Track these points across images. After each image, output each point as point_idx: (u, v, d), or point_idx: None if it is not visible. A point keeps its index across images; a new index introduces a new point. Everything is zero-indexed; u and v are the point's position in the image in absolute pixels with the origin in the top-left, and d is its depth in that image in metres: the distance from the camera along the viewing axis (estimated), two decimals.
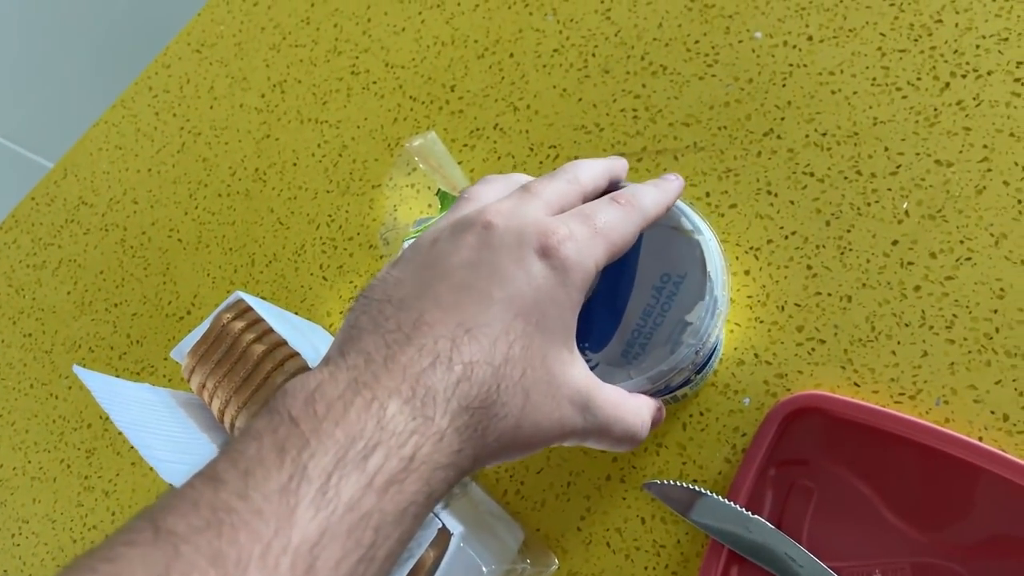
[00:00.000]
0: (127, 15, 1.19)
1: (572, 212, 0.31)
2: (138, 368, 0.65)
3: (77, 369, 0.47)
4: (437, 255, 0.30)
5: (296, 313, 0.61)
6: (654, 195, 0.34)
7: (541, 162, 0.57)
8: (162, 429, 0.49)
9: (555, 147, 0.57)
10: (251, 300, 0.52)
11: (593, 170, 0.35)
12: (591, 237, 0.30)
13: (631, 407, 0.34)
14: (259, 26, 0.72)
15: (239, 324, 0.51)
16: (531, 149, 0.58)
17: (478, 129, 0.60)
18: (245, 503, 0.21)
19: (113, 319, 0.68)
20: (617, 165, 0.37)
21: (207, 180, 0.69)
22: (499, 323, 0.27)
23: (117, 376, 0.64)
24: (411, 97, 0.63)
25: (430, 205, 0.59)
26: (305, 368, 0.49)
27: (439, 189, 0.52)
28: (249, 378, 0.50)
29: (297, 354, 0.50)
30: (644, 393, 0.37)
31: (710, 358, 0.44)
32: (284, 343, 0.50)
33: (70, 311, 0.70)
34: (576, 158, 0.55)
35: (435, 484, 0.25)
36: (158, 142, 0.73)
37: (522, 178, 0.35)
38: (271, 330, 0.51)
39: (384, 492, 0.23)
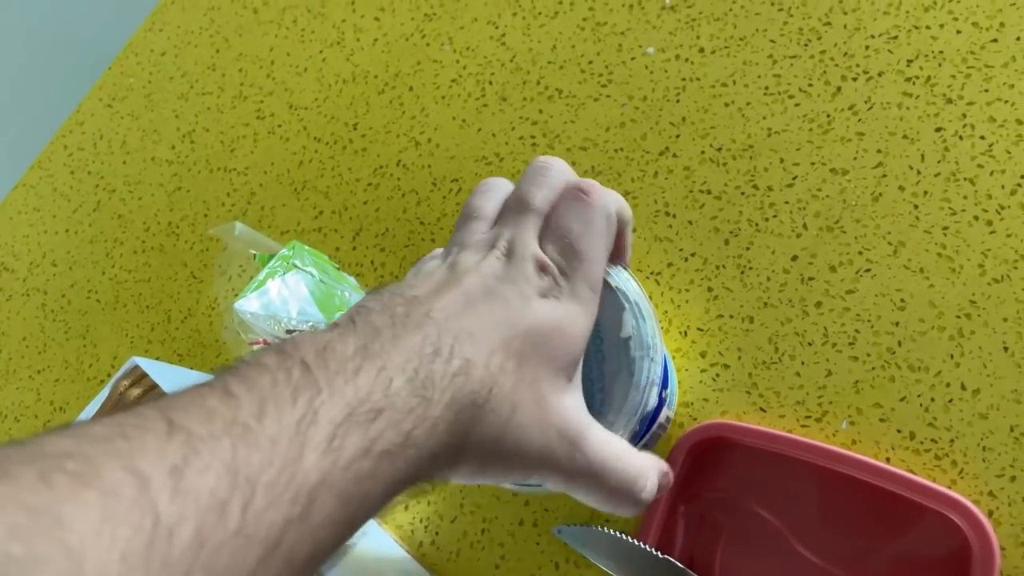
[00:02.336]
0: (41, 72, 1.19)
1: (555, 238, 0.32)
2: None
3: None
4: (452, 270, 0.31)
5: (211, 370, 0.59)
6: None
7: (444, 196, 0.56)
8: None
9: (457, 180, 0.56)
10: (147, 365, 0.50)
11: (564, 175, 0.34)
12: (581, 264, 0.31)
13: (633, 462, 0.31)
14: (167, 76, 0.71)
15: (136, 391, 0.50)
16: (434, 184, 0.56)
17: (381, 167, 0.59)
18: (260, 427, 0.21)
19: (36, 386, 0.67)
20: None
21: (122, 237, 0.68)
22: (498, 337, 0.28)
23: None
24: (315, 138, 0.62)
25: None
26: None
27: (255, 254, 0.51)
28: None
29: None
30: (635, 435, 0.35)
31: (666, 367, 0.42)
32: None
33: None
34: None
35: (420, 471, 0.25)
36: (74, 201, 0.72)
37: (504, 186, 0.35)
38: (166, 395, 0.49)
39: (378, 460, 0.23)
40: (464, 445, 0.27)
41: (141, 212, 0.68)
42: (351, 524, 0.23)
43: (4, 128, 1.15)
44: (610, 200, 0.33)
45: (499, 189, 0.34)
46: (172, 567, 0.18)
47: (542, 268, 0.30)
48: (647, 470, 0.31)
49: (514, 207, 0.33)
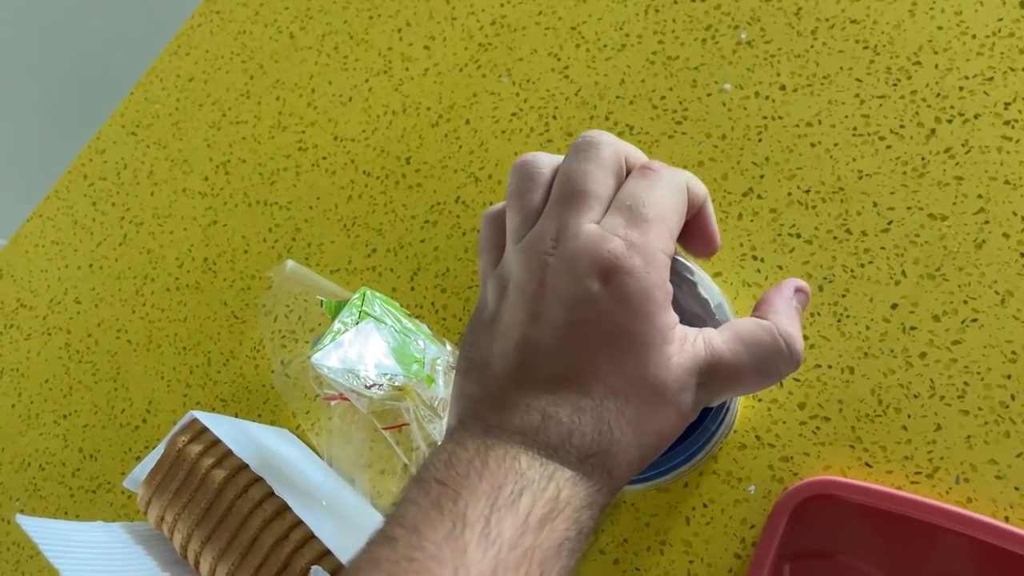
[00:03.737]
0: (55, 98, 1.14)
1: (616, 210, 0.29)
2: (94, 485, 0.60)
3: (20, 519, 0.43)
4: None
5: (259, 416, 0.57)
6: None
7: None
8: None
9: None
10: (207, 419, 0.47)
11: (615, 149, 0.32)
12: (655, 235, 0.29)
13: (758, 329, 0.30)
14: (197, 103, 0.68)
15: (196, 448, 0.47)
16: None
17: (439, 203, 0.56)
18: (422, 552, 0.24)
19: (63, 432, 0.63)
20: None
21: (153, 274, 0.64)
22: (592, 369, 0.28)
23: (72, 496, 0.60)
24: (364, 172, 0.60)
25: (319, 324, 0.55)
26: (269, 492, 0.45)
27: (322, 301, 0.49)
28: (211, 508, 0.45)
29: (261, 479, 0.46)
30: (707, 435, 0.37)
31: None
32: (246, 466, 0.46)
33: (16, 426, 0.65)
34: None
35: (583, 521, 0.27)
36: (98, 235, 0.68)
37: (546, 166, 0.31)
38: (231, 452, 0.47)
39: (540, 530, 0.25)
40: (613, 478, 0.28)
41: (173, 247, 0.64)
42: None
43: (17, 155, 1.10)
44: (680, 174, 0.30)
45: (545, 167, 0.31)
46: None
47: (605, 267, 0.28)
48: (777, 317, 0.31)
49: (562, 193, 0.30)
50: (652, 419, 0.28)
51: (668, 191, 0.29)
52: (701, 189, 0.31)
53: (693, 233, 0.32)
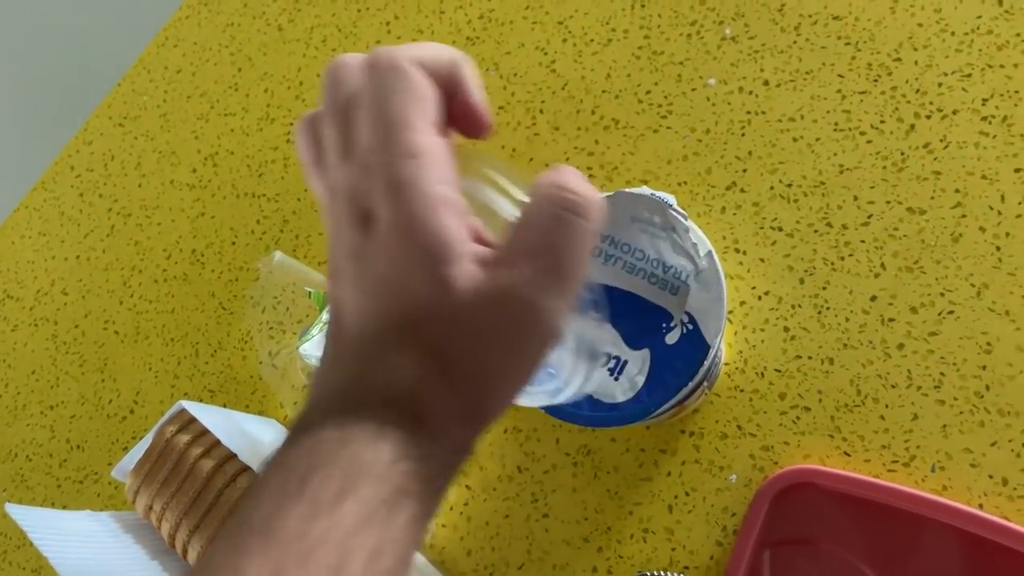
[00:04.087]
0: (41, 89, 1.14)
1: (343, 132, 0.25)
2: (81, 476, 0.61)
3: (9, 507, 0.43)
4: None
5: (247, 407, 0.57)
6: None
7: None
8: (107, 565, 0.45)
9: None
10: (195, 409, 0.48)
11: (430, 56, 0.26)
12: (385, 138, 0.24)
13: (532, 210, 0.24)
14: (185, 95, 0.68)
15: (184, 437, 0.48)
16: None
17: None
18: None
19: (50, 423, 0.63)
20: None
21: (141, 265, 0.64)
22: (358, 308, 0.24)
23: (59, 486, 0.60)
24: None
25: (307, 315, 0.55)
26: None
27: (310, 291, 0.49)
28: (199, 497, 0.46)
29: (249, 468, 0.46)
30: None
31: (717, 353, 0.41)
32: (234, 456, 0.47)
33: (2, 416, 0.65)
34: None
35: (401, 481, 0.23)
36: (85, 226, 0.68)
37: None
38: (219, 442, 0.47)
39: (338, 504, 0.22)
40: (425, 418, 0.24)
41: (161, 239, 0.64)
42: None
43: (3, 146, 1.09)
44: (404, 53, 0.25)
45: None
46: None
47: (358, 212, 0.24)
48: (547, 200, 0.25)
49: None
50: (473, 351, 0.24)
51: (389, 83, 0.24)
52: (443, 56, 0.26)
53: (460, 113, 0.27)
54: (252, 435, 0.49)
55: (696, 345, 0.37)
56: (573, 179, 0.25)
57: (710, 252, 0.37)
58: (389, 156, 0.24)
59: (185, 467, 0.46)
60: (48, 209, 0.70)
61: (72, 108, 0.73)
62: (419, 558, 0.48)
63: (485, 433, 0.25)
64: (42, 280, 0.68)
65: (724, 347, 0.46)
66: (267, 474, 0.23)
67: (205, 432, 0.48)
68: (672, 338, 0.37)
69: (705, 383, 0.41)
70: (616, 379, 0.38)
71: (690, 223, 0.38)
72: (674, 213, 0.39)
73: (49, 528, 0.44)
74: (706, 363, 0.37)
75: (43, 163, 0.71)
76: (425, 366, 0.24)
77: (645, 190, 0.40)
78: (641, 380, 0.37)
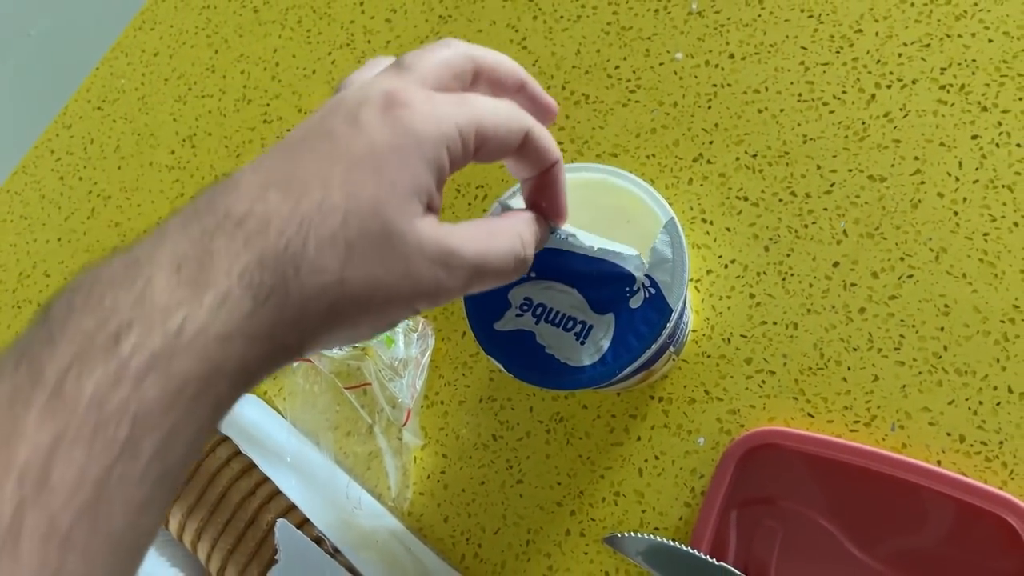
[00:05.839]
0: (20, 74, 1.14)
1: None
2: None
3: None
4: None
5: None
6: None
7: (469, 204, 0.55)
8: None
9: (483, 187, 0.55)
10: None
11: (491, 54, 0.30)
12: (454, 103, 0.26)
13: (502, 230, 0.28)
14: (162, 77, 0.69)
15: None
16: (457, 191, 0.56)
17: None
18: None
19: None
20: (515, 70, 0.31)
21: (121, 247, 0.65)
22: (315, 176, 0.24)
23: None
24: None
25: None
26: (236, 451, 0.47)
27: None
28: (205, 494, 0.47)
29: (227, 439, 0.47)
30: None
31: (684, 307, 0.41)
32: (226, 439, 0.48)
33: None
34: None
35: (219, 358, 0.21)
36: (65, 209, 0.69)
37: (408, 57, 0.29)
38: None
39: (142, 378, 0.20)
40: (289, 303, 0.23)
41: (142, 220, 0.65)
42: (143, 445, 0.20)
43: None
44: (461, 48, 0.28)
45: (379, 64, 0.30)
46: None
47: (385, 103, 0.25)
48: (518, 226, 0.29)
49: (391, 67, 0.28)
50: (373, 256, 0.24)
51: (436, 49, 0.28)
52: (484, 58, 0.29)
53: (528, 152, 0.30)
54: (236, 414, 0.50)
55: (659, 309, 0.38)
56: (533, 239, 0.30)
57: (672, 219, 0.38)
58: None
59: None
60: (29, 193, 0.71)
61: (51, 93, 0.73)
62: (397, 525, 0.49)
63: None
64: (24, 263, 0.69)
65: (691, 314, 0.47)
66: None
67: None
68: (635, 302, 0.38)
69: (672, 349, 0.42)
70: (582, 344, 0.39)
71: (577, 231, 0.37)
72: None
73: None
74: (668, 326, 0.37)
75: (23, 148, 0.72)
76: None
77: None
78: (606, 344, 0.38)
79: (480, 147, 0.27)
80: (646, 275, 0.38)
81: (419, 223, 0.25)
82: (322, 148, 0.25)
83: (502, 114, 0.27)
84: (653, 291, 0.38)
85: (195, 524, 0.45)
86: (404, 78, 0.27)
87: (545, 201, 0.32)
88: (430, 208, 0.26)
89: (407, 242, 0.25)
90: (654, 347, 0.38)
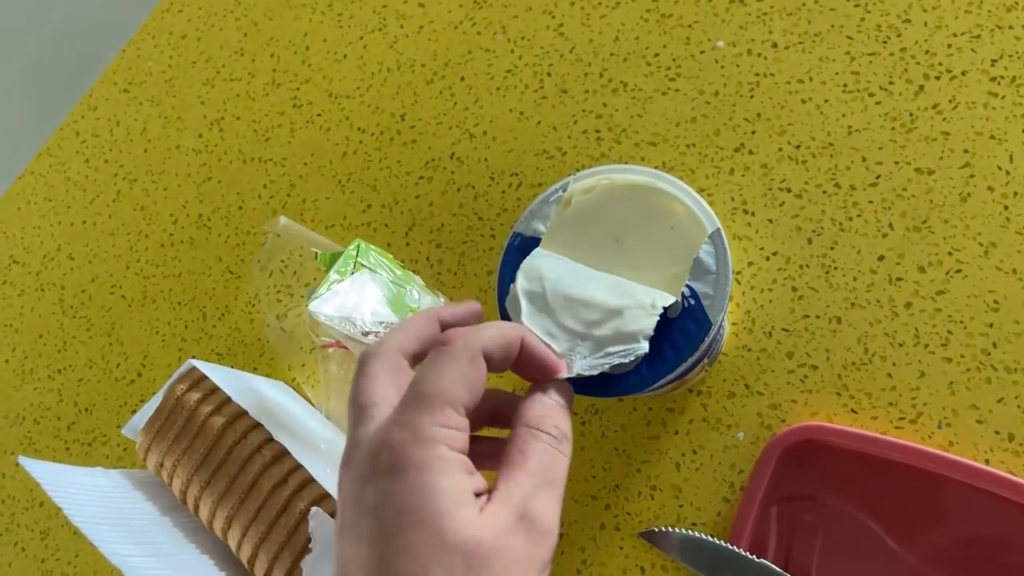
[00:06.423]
0: (46, 56, 1.13)
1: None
2: (89, 439, 0.61)
3: (23, 460, 0.44)
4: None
5: (255, 369, 0.57)
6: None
7: (503, 191, 0.54)
8: (121, 519, 0.45)
9: (517, 174, 0.54)
10: (205, 368, 0.48)
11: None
12: (420, 403, 0.28)
13: (547, 466, 0.30)
14: (190, 60, 0.68)
15: (195, 395, 0.48)
16: (492, 178, 0.55)
17: (434, 160, 0.57)
18: None
19: (58, 386, 0.63)
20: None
21: (147, 230, 0.64)
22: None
23: (68, 449, 0.60)
24: (359, 128, 0.60)
25: (314, 278, 0.56)
26: (268, 438, 0.46)
27: (317, 252, 0.50)
28: (210, 454, 0.46)
29: (260, 425, 0.46)
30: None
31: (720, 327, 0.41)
32: (244, 413, 0.47)
33: (10, 380, 0.65)
34: (540, 185, 0.52)
35: None
36: (91, 191, 0.68)
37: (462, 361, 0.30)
38: (229, 400, 0.47)
39: None
40: None
41: (167, 204, 0.64)
42: None
43: (9, 112, 1.09)
44: (474, 342, 0.30)
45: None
46: None
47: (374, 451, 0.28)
48: (539, 425, 0.30)
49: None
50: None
51: (447, 365, 0.29)
52: (507, 335, 0.31)
53: (527, 366, 0.33)
54: (262, 393, 0.50)
55: (698, 321, 0.37)
56: (558, 415, 0.31)
57: (718, 229, 0.36)
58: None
59: (196, 424, 0.47)
60: (54, 175, 0.70)
61: (77, 74, 0.73)
62: None
63: None
64: (48, 245, 0.68)
65: (732, 308, 0.46)
66: None
67: (215, 390, 0.48)
68: (674, 312, 0.37)
69: (706, 360, 0.40)
70: None
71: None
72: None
73: (63, 481, 0.44)
74: (707, 340, 0.36)
75: (48, 129, 0.71)
76: None
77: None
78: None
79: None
80: (687, 285, 0.37)
81: (480, 520, 0.27)
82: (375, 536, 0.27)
83: (465, 378, 0.29)
84: (692, 302, 0.36)
85: (225, 511, 0.45)
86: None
87: (536, 374, 0.33)
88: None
89: (487, 545, 0.26)
90: (690, 360, 0.37)
